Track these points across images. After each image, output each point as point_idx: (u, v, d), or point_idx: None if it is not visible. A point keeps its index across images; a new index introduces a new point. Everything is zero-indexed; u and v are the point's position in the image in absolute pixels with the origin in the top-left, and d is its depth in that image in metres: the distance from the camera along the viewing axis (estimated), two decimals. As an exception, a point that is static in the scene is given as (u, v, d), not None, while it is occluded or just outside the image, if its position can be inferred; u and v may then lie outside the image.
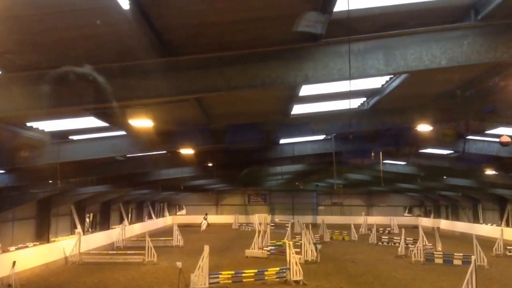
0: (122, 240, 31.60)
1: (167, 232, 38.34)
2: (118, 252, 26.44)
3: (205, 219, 49.77)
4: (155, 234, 35.91)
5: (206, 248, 16.25)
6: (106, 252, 26.08)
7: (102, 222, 36.58)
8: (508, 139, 14.48)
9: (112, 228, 35.53)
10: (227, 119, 15.46)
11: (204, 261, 16.36)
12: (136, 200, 43.47)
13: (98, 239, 30.59)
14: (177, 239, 31.75)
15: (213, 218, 56.13)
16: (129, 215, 44.29)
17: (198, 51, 8.54)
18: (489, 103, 13.22)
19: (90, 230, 35.39)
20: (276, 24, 7.93)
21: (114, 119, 12.93)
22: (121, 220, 39.73)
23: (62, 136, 15.67)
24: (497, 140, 16.10)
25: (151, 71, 8.52)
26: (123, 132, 15.96)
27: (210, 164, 24.49)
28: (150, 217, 48.71)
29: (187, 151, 19.27)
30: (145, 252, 24.15)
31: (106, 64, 8.30)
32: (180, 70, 8.52)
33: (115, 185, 29.22)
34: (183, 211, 60.09)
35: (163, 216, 53.97)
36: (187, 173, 27.78)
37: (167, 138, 16.34)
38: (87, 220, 35.38)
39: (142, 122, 12.42)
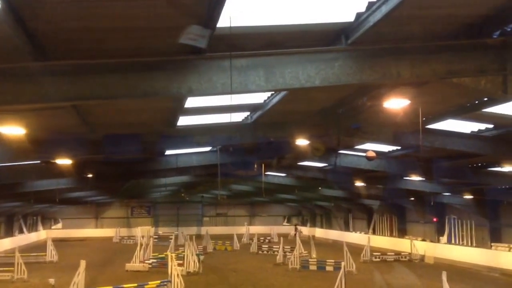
0: (-13, 257, 28.78)
1: (40, 247, 35.69)
2: (-19, 270, 24.02)
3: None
4: (26, 249, 33.22)
5: (82, 263, 15.43)
6: (-33, 270, 23.56)
7: (-37, 238, 33.09)
8: (373, 154, 15.85)
9: (-24, 244, 32.26)
10: (109, 129, 14.98)
11: (79, 277, 15.50)
12: (5, 213, 40.23)
13: (-42, 257, 27.51)
14: (51, 254, 29.71)
15: (92, 232, 53.58)
16: (-3, 230, 40.64)
17: (76, 57, 8.25)
18: (357, 121, 14.44)
19: None
20: (160, 34, 7.94)
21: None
22: (-14, 235, 36.30)
23: None
24: (364, 154, 17.47)
25: (25, 75, 8.03)
26: (-10, 139, 14.71)
27: (89, 175, 23.40)
28: (21, 232, 45.10)
29: (63, 161, 18.26)
30: (14, 268, 22.24)
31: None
32: (56, 75, 8.13)
33: (-20, 197, 26.66)
34: (59, 225, 56.41)
35: (36, 230, 50.26)
36: (63, 184, 26.26)
37: (42, 147, 15.40)
38: None
39: (13, 129, 11.62)
